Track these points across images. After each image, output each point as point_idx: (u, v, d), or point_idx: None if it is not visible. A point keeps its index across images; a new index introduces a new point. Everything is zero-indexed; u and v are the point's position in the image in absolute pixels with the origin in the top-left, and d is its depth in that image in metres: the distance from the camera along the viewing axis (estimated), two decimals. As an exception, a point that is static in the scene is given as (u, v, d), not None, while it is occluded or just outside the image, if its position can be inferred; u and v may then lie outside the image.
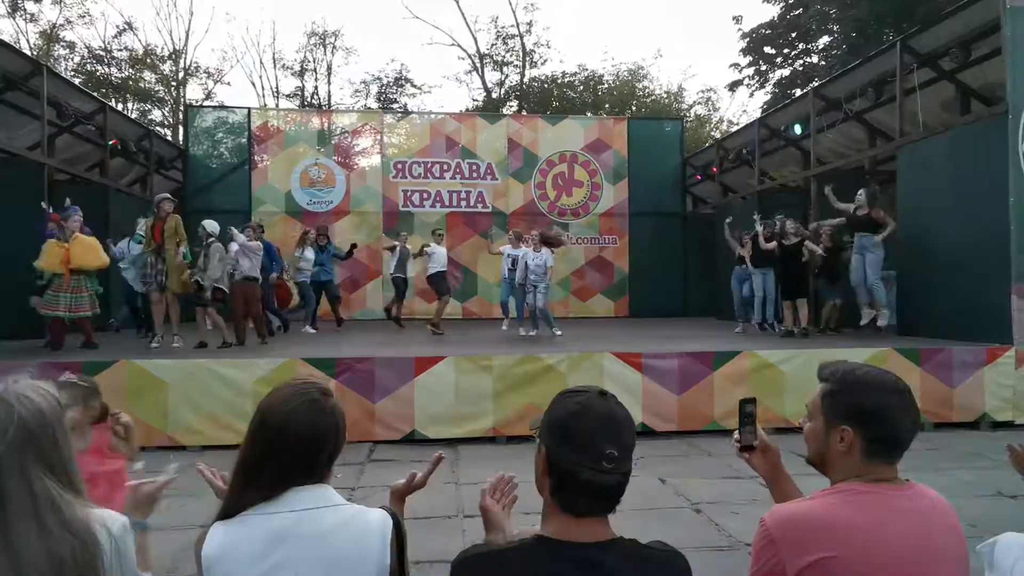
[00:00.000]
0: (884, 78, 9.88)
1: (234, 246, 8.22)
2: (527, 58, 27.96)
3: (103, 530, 1.23)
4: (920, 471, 5.63)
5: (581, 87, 27.67)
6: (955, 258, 8.15)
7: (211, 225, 8.17)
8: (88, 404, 2.64)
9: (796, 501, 1.51)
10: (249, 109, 15.26)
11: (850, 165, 11.40)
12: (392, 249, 11.21)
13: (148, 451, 6.18)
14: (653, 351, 7.20)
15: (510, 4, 27.91)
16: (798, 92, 19.75)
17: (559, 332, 9.06)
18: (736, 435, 1.74)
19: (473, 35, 28.24)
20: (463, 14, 28.37)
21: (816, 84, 12.25)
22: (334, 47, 28.13)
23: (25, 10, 23.62)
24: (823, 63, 22.64)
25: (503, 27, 28.08)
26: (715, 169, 14.89)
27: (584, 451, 1.23)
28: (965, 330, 7.79)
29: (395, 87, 28.22)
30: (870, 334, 9.07)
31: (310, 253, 10.88)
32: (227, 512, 1.39)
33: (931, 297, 8.52)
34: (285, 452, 1.37)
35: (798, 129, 12.11)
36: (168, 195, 8.28)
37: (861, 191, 8.78)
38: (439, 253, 10.40)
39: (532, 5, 28.06)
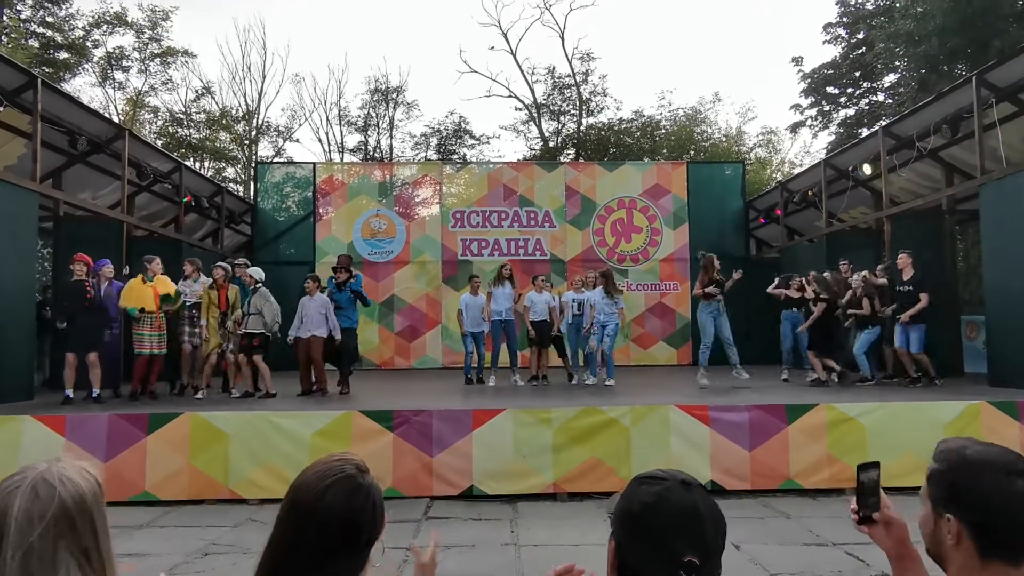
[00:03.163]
0: (960, 114, 9.43)
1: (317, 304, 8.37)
2: (584, 107, 28.23)
3: None
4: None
5: (638, 133, 27.67)
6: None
7: (258, 272, 8.43)
8: None
9: None
10: (314, 164, 15.82)
11: (927, 205, 10.84)
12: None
13: (208, 503, 6.22)
14: (721, 403, 6.85)
15: (566, 56, 28.36)
16: (865, 132, 19.18)
17: (612, 382, 8.80)
18: (854, 504, 1.48)
19: (530, 86, 28.81)
20: (520, 67, 29.03)
21: (886, 122, 11.81)
22: (396, 103, 29.13)
23: (114, 79, 25.44)
24: (890, 101, 21.99)
25: (560, 77, 28.54)
26: (779, 212, 14.44)
27: (656, 552, 1.05)
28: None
29: (454, 139, 28.89)
30: (959, 385, 8.43)
31: (506, 288, 9.53)
32: None
33: (1025, 344, 7.87)
34: (318, 536, 1.23)
35: (867, 169, 11.66)
36: (223, 264, 8.62)
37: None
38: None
39: (588, 55, 28.37)
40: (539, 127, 28.71)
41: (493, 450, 6.47)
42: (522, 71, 28.86)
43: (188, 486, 6.22)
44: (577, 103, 28.22)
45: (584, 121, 28.20)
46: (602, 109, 28.49)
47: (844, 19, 23.62)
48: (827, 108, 25.02)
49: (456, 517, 5.86)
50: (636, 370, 12.66)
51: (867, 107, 23.57)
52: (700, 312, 8.77)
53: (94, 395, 7.53)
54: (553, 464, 6.47)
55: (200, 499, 6.23)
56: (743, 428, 6.55)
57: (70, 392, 7.41)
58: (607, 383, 8.79)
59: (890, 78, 22.29)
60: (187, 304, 8.34)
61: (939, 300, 10.27)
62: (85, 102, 13.22)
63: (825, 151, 23.24)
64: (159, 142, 24.66)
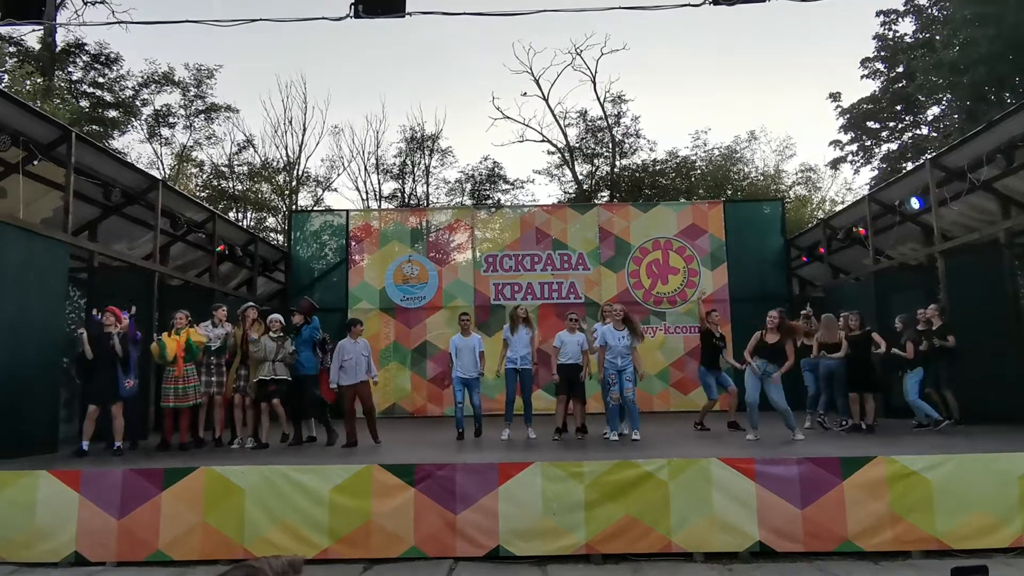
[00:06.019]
0: (1015, 142, 8.92)
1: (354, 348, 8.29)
2: (617, 149, 28.14)
3: None
4: None
5: (673, 174, 27.37)
6: None
7: (277, 317, 8.54)
8: None
9: None
10: (347, 211, 15.91)
11: (983, 239, 10.22)
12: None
13: (222, 564, 5.92)
14: (768, 455, 6.33)
15: (598, 99, 28.42)
16: (909, 166, 18.53)
17: (637, 436, 8.06)
18: None
19: (563, 130, 28.87)
20: (552, 112, 29.11)
21: (934, 153, 11.29)
22: (431, 150, 29.48)
23: (161, 135, 26.38)
24: (935, 134, 21.32)
25: (592, 120, 28.56)
26: (822, 250, 13.88)
27: None
28: None
29: (488, 184, 29.00)
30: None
31: (521, 334, 8.83)
32: None
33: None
34: None
35: (916, 203, 11.13)
36: (252, 303, 8.60)
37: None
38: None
39: (620, 97, 28.38)
40: (572, 170, 28.67)
41: (521, 507, 6.05)
42: (554, 115, 28.97)
43: (202, 545, 5.95)
44: (610, 145, 28.16)
45: (618, 163, 28.07)
46: (635, 151, 28.35)
47: (882, 53, 23.20)
48: (868, 143, 24.43)
49: (481, 582, 5.45)
50: (675, 417, 12.10)
51: (910, 140, 22.91)
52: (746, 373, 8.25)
53: (115, 447, 7.41)
54: (586, 522, 6.01)
55: (214, 559, 5.94)
56: (793, 483, 6.02)
57: (85, 444, 7.32)
58: (634, 438, 8.01)
59: (934, 110, 21.70)
60: (211, 349, 8.23)
61: (1004, 339, 9.62)
62: (133, 158, 13.51)
63: (868, 187, 22.56)
64: (203, 194, 25.31)
